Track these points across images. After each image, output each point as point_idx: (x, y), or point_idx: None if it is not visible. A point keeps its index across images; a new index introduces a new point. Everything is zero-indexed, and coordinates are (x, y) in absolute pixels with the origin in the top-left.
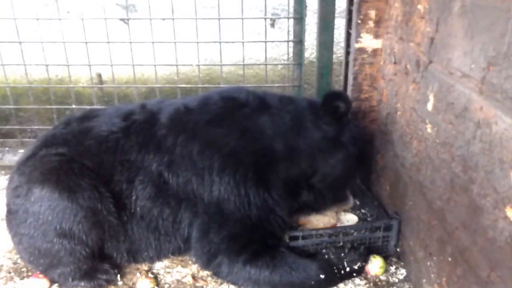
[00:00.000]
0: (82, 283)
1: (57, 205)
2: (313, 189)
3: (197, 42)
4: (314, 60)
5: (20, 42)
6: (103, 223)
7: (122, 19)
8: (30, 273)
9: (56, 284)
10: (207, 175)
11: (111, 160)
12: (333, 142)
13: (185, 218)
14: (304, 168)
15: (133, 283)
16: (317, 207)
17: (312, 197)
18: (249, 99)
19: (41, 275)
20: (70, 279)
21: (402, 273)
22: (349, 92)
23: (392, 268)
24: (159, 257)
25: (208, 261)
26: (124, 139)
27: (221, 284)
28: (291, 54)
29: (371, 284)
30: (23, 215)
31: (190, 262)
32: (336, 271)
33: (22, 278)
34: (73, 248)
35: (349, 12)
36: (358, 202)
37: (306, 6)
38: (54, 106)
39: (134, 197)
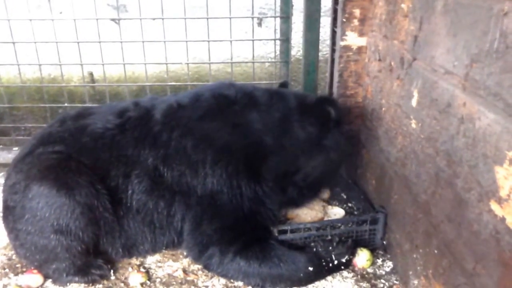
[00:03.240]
0: (76, 278)
1: (55, 202)
2: (296, 186)
3: (186, 41)
4: (301, 57)
5: (13, 43)
6: (99, 219)
7: (113, 19)
8: (24, 269)
9: (50, 280)
10: (200, 168)
11: (108, 156)
12: (316, 145)
13: (179, 211)
14: (289, 165)
15: (125, 278)
16: (299, 203)
17: (295, 194)
18: (237, 96)
19: (35, 271)
20: (65, 275)
21: (388, 265)
22: (335, 89)
23: (379, 261)
24: (154, 251)
25: (200, 253)
26: (120, 135)
27: (211, 277)
28: (278, 52)
29: (359, 276)
30: (21, 211)
31: (181, 256)
32: (324, 264)
33: (17, 274)
34: (69, 244)
35: (334, 11)
36: (345, 196)
37: (292, 5)
38: (47, 105)
39: (130, 191)
